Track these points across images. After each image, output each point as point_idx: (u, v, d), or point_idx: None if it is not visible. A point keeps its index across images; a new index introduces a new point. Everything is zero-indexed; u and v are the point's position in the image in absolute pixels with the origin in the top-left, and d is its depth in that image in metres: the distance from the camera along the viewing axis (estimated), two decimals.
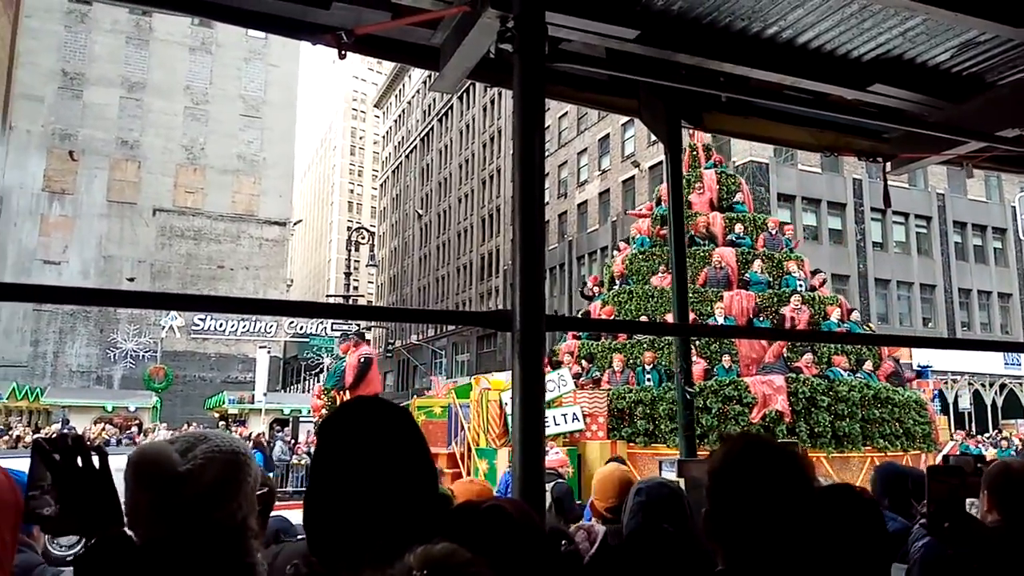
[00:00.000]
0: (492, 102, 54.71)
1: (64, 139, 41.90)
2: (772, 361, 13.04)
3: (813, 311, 14.16)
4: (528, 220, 2.40)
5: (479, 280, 55.94)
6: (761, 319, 13.48)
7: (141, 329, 40.48)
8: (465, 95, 58.72)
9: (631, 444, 11.65)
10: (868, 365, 13.91)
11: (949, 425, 28.33)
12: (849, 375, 13.19)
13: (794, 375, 12.63)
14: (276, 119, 46.01)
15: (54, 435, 1.42)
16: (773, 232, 16.18)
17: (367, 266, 37.34)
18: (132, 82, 43.46)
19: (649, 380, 12.99)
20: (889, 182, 4.87)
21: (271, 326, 39.04)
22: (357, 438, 1.25)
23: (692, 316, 13.38)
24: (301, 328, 38.58)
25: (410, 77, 72.12)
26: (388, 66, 77.05)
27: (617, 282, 15.89)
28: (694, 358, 12.79)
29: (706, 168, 17.07)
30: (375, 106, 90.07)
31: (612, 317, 14.87)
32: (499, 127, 52.96)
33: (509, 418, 11.48)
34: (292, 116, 47.69)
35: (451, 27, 3.13)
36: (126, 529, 1.40)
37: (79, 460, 1.37)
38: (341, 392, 13.01)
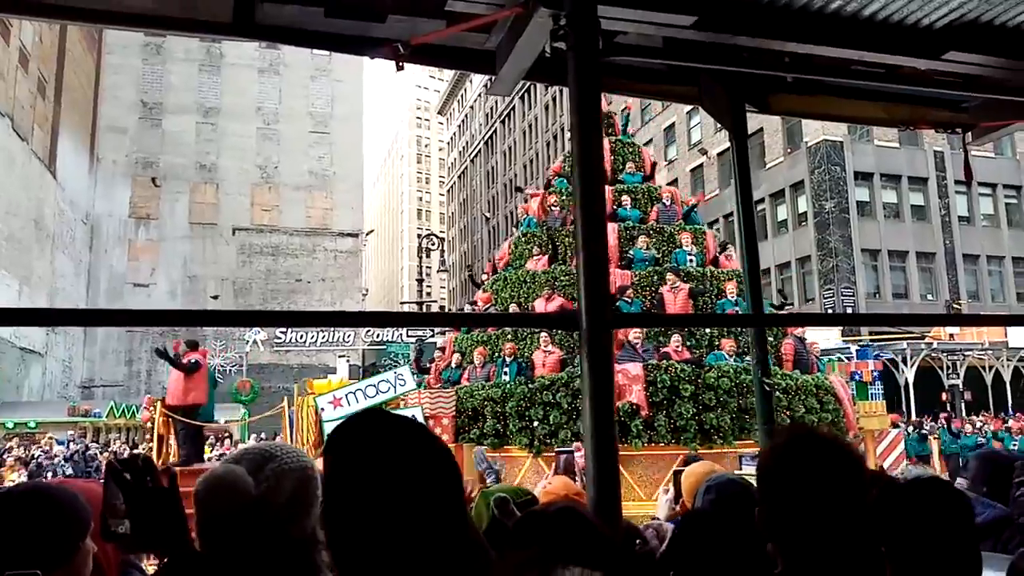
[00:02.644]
0: (554, 100, 54.64)
1: (146, 167, 43.83)
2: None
3: (708, 288, 12.75)
4: (590, 217, 2.38)
5: None
6: (630, 300, 12.13)
7: (227, 345, 41.97)
8: (527, 95, 58.83)
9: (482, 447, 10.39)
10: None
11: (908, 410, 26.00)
12: (736, 360, 11.66)
13: (654, 363, 11.26)
14: (344, 133, 47.05)
15: (126, 456, 1.48)
16: (668, 203, 14.72)
17: (438, 271, 37.82)
18: (207, 107, 45.14)
19: (507, 374, 11.81)
20: (972, 152, 4.64)
21: (349, 335, 39.89)
22: (378, 457, 1.11)
23: (561, 301, 12.43)
24: (377, 336, 39.32)
25: (471, 82, 72.67)
26: (449, 73, 77.90)
27: (498, 268, 14.83)
28: (550, 348, 12.00)
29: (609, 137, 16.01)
30: (439, 113, 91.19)
31: (489, 305, 13.94)
32: (562, 124, 52.85)
33: (324, 425, 10.72)
34: (359, 129, 48.67)
35: (505, 29, 3.14)
36: (196, 547, 1.44)
37: (148, 480, 1.42)
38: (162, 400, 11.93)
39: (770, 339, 12.19)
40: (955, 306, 32.65)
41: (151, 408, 12.01)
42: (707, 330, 12.23)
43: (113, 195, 42.96)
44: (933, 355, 29.67)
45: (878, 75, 3.65)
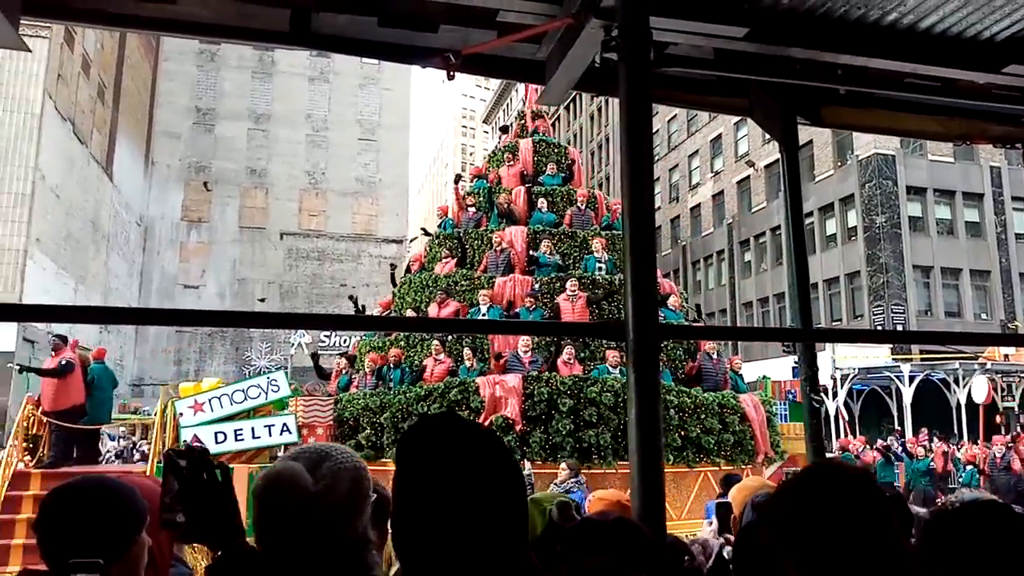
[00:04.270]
0: (599, 110, 54.52)
1: (199, 171, 44.90)
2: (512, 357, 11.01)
3: (613, 296, 11.93)
4: (638, 227, 2.38)
5: None
6: (530, 307, 11.43)
7: (272, 347, 42.66)
8: (572, 104, 58.82)
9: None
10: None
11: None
12: (623, 373, 10.55)
13: (534, 374, 10.49)
14: (391, 141, 47.63)
15: (183, 447, 1.51)
16: (582, 207, 13.86)
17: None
18: (258, 114, 46.10)
19: (391, 381, 11.25)
20: None
21: None
22: (450, 460, 1.11)
23: (456, 307, 11.90)
24: None
25: (516, 91, 72.91)
26: (495, 82, 78.27)
27: (412, 270, 14.23)
28: (441, 357, 11.34)
29: (530, 137, 15.35)
30: (484, 122, 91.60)
31: (388, 310, 13.47)
32: (607, 135, 52.69)
33: (182, 431, 9.98)
34: (406, 137, 49.20)
35: (555, 40, 3.16)
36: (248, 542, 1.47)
37: (203, 473, 1.45)
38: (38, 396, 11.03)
39: (680, 354, 11.80)
40: (1010, 326, 31.62)
41: (26, 407, 11.09)
42: (601, 341, 11.45)
43: (166, 198, 44.11)
44: (987, 376, 28.74)
45: (934, 88, 3.58)
